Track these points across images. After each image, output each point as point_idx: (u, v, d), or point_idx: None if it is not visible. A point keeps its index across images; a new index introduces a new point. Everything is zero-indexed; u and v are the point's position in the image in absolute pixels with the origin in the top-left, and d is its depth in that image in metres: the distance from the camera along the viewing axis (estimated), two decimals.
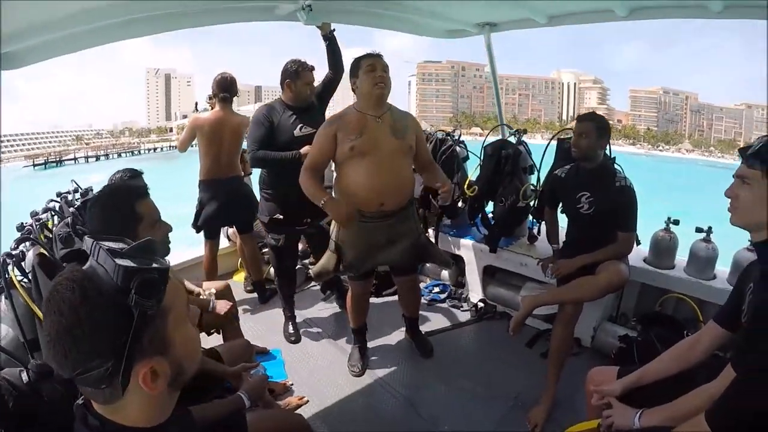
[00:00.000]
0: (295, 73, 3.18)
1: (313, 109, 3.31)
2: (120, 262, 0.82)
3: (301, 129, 3.16)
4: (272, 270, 3.75)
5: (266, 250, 4.28)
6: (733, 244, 2.77)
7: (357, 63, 2.65)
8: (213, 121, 3.77)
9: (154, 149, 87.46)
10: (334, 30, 3.32)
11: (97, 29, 2.49)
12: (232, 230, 4.51)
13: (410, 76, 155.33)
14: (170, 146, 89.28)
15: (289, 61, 3.24)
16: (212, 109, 3.89)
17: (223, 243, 4.48)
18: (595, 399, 1.75)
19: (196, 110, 4.19)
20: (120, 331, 0.81)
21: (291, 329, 3.53)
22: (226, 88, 3.79)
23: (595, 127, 2.72)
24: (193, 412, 1.23)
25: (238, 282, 4.39)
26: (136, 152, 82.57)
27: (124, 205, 1.68)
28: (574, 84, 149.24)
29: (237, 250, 4.44)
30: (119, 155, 76.64)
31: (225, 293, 2.90)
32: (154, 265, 0.86)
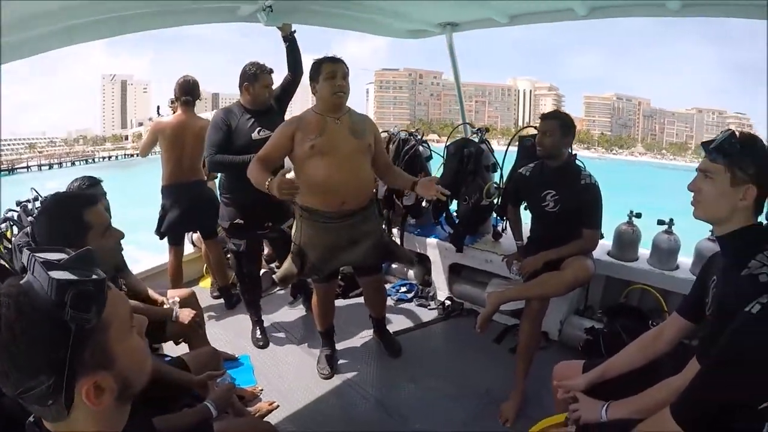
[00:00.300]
0: (254, 76, 3.16)
1: (272, 112, 3.30)
2: (54, 275, 0.80)
3: (259, 132, 3.15)
4: (236, 275, 3.72)
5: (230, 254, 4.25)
6: (694, 236, 2.87)
7: (318, 67, 2.64)
8: (175, 125, 3.72)
9: (109, 157, 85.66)
10: (294, 31, 3.32)
11: (56, 31, 2.45)
12: (196, 236, 4.46)
13: (368, 84, 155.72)
14: (125, 154, 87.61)
15: (248, 63, 3.22)
16: (174, 113, 3.84)
17: (188, 249, 4.42)
18: (560, 393, 1.78)
19: (159, 114, 4.12)
20: (58, 346, 0.79)
21: (258, 334, 3.51)
22: (188, 91, 3.75)
23: (560, 125, 2.76)
24: (156, 423, 1.22)
25: (204, 288, 4.34)
26: (90, 160, 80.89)
27: (71, 214, 1.65)
28: (530, 91, 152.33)
29: (202, 256, 4.38)
30: (73, 163, 75.12)
31: (189, 301, 2.85)
32: (93, 276, 0.84)
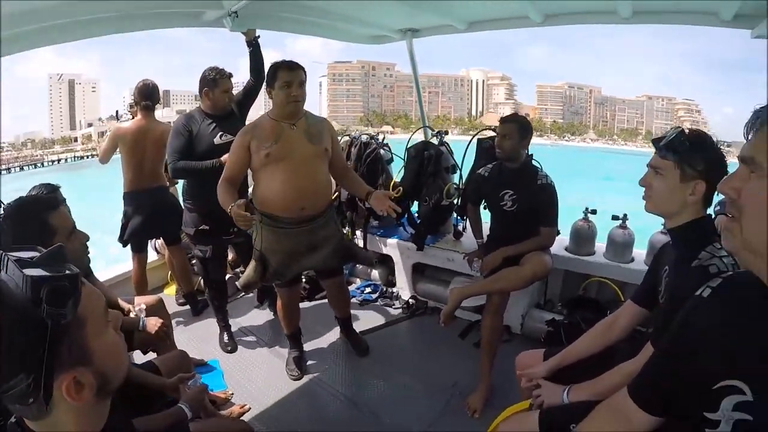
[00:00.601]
0: (213, 81, 3.18)
1: (233, 116, 3.33)
2: (27, 272, 0.81)
3: (221, 137, 3.18)
4: (203, 281, 3.74)
5: (196, 260, 4.25)
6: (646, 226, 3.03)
7: (274, 73, 2.66)
8: (135, 130, 3.70)
9: (58, 161, 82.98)
10: (258, 37, 3.35)
11: (20, 35, 2.45)
12: (160, 242, 4.42)
13: (321, 77, 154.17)
14: (75, 156, 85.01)
15: (207, 69, 3.23)
16: (134, 117, 3.82)
17: (152, 256, 4.40)
18: (524, 382, 1.88)
19: (116, 118, 4.08)
20: (35, 344, 0.80)
21: (226, 339, 3.53)
22: (148, 96, 3.72)
23: (518, 128, 2.89)
24: (135, 425, 1.25)
25: (169, 295, 4.31)
26: (39, 164, 78.03)
27: (35, 218, 1.68)
28: (483, 81, 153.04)
29: (166, 263, 4.36)
30: (21, 168, 72.60)
31: (157, 308, 2.84)
32: (67, 272, 0.86)
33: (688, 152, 1.48)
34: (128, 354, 2.76)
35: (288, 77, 2.62)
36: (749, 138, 0.86)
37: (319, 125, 2.80)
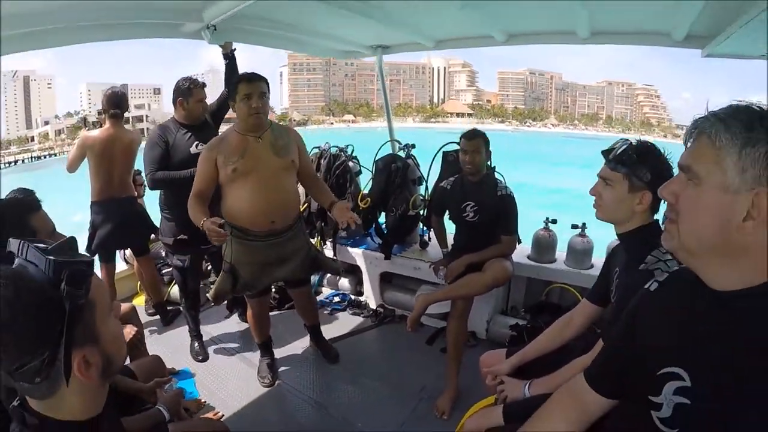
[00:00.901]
0: (188, 90, 3.24)
1: (208, 126, 3.39)
2: (50, 256, 0.92)
3: (196, 146, 3.22)
4: (172, 291, 3.77)
5: (166, 271, 4.30)
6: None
7: (235, 86, 2.71)
8: (104, 139, 3.69)
9: (15, 162, 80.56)
10: (235, 49, 3.44)
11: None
12: (128, 252, 4.42)
13: (281, 67, 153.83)
14: (32, 157, 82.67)
15: (181, 79, 3.29)
16: (101, 125, 3.81)
17: (121, 266, 4.41)
18: (489, 379, 2.01)
19: (85, 126, 4.08)
20: (54, 321, 0.90)
21: (198, 348, 3.60)
22: (116, 104, 3.72)
23: (484, 143, 3.05)
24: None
25: (139, 305, 4.26)
26: None
27: (16, 221, 1.72)
28: (444, 68, 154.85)
29: (135, 273, 4.36)
30: None
31: (130, 316, 2.87)
32: (83, 258, 0.98)
33: (635, 164, 1.61)
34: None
35: (248, 89, 2.67)
36: (687, 146, 0.97)
37: (285, 137, 2.86)
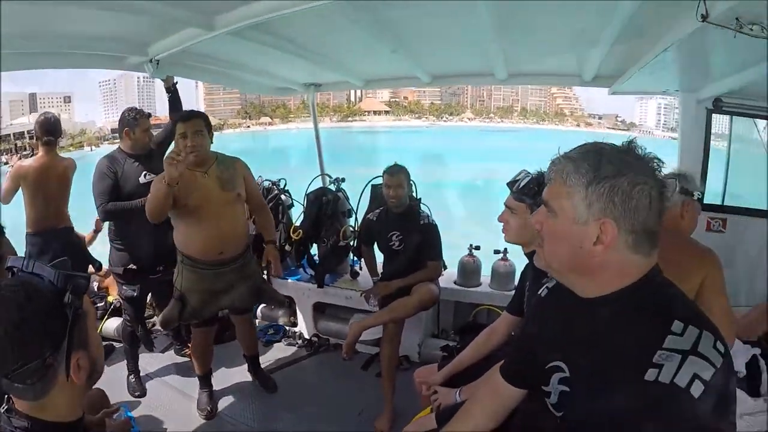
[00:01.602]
0: (134, 120, 3.29)
1: (155, 155, 3.41)
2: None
3: (145, 176, 3.28)
4: (104, 327, 3.73)
5: (99, 305, 4.25)
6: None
7: (174, 125, 2.86)
8: (38, 167, 3.65)
9: None
10: (176, 83, 3.60)
11: None
12: None
13: None
14: None
15: (126, 109, 3.35)
16: (34, 153, 3.76)
17: None
18: (424, 390, 2.24)
19: (19, 157, 4.01)
20: (59, 326, 1.05)
21: (134, 383, 3.57)
22: (50, 131, 3.71)
23: (406, 177, 3.33)
24: None
25: None
26: None
27: None
28: None
29: None
30: None
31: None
32: (82, 273, 1.14)
33: (536, 195, 1.86)
34: None
35: (183, 128, 2.82)
36: (547, 184, 1.16)
37: (231, 169, 2.99)
